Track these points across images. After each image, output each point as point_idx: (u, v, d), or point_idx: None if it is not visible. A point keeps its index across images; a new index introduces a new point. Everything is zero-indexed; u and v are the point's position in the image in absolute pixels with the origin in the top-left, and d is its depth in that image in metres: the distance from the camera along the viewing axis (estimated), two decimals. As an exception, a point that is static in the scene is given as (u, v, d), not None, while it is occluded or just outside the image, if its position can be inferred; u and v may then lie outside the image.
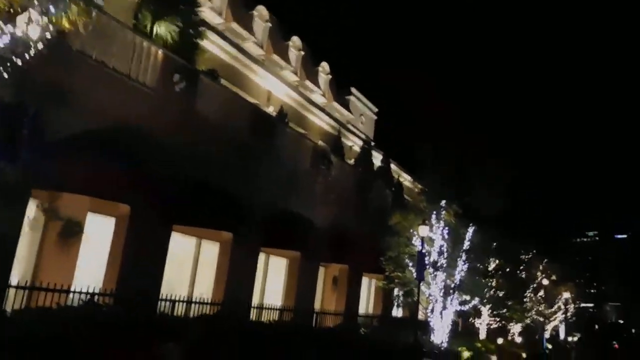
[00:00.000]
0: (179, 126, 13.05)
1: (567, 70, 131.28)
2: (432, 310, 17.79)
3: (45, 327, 7.38)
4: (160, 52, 13.19)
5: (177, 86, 13.58)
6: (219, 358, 9.94)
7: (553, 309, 39.39)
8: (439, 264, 17.21)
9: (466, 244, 18.11)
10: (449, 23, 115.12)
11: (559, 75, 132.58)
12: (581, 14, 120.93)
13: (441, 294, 17.53)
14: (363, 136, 28.58)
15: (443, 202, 17.62)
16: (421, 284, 16.83)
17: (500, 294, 24.07)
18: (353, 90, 32.32)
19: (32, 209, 10.98)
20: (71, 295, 9.44)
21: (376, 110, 34.86)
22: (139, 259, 12.09)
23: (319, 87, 28.04)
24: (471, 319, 24.79)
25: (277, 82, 22.85)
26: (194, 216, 13.49)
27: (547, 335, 36.83)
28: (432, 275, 17.46)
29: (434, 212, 17.63)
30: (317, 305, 20.45)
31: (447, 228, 17.83)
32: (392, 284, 18.87)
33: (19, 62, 6.69)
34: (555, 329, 42.91)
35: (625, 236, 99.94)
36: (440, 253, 17.54)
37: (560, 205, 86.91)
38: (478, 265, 19.46)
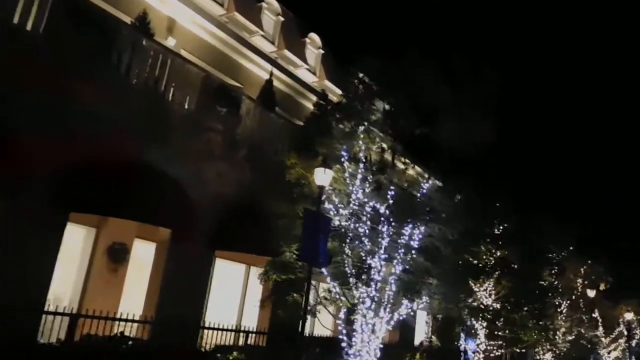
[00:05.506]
0: None
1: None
2: (351, 322, 9.99)
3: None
4: None
5: None
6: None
7: (614, 335, 29.84)
8: (349, 234, 9.42)
9: (425, 207, 10.22)
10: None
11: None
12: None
13: (361, 292, 9.64)
14: (314, 85, 21.84)
15: (361, 128, 9.97)
16: (322, 272, 9.45)
17: (499, 303, 14.96)
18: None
19: None
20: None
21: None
22: None
23: (305, 61, 22.28)
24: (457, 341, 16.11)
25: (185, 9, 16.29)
26: None
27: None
28: (343, 256, 9.71)
29: (345, 149, 9.91)
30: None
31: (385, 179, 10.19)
32: (275, 270, 10.67)
33: None
34: (619, 362, 32.90)
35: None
36: (357, 216, 9.65)
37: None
38: (442, 249, 11.48)
